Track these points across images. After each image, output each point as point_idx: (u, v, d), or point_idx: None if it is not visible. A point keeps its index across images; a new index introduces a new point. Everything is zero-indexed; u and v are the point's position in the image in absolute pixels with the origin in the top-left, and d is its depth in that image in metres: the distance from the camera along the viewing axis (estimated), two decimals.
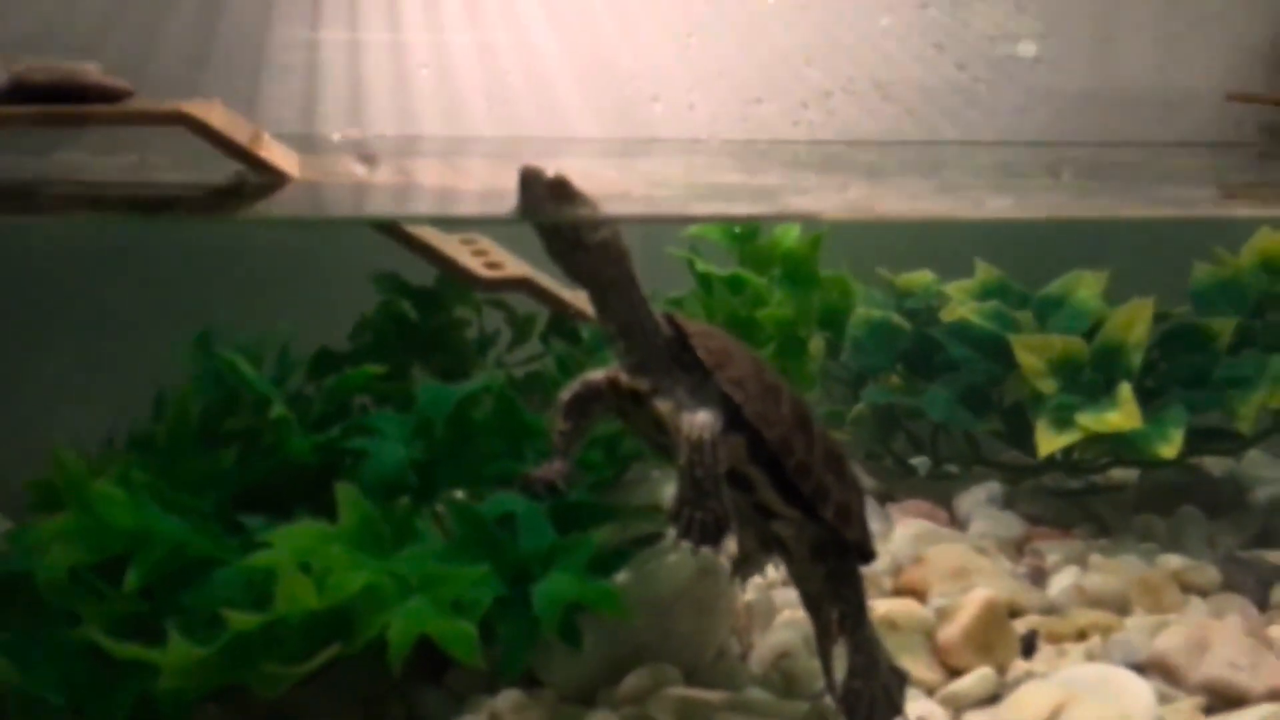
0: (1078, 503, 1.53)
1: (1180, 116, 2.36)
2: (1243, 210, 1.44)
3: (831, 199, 1.40)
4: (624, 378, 0.91)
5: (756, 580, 1.27)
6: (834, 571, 0.98)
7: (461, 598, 0.88)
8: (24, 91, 1.09)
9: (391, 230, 1.11)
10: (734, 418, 0.90)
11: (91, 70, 1.16)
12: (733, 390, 0.89)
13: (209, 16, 1.82)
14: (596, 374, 0.94)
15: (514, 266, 1.18)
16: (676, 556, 1.10)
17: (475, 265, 1.16)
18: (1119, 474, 1.57)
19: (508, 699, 1.06)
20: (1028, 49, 2.26)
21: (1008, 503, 1.51)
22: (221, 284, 1.52)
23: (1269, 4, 2.38)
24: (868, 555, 0.99)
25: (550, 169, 0.86)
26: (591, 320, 1.19)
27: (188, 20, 1.81)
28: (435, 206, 1.16)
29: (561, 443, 0.92)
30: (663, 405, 0.89)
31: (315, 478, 1.02)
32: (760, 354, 1.01)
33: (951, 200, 1.53)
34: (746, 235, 1.24)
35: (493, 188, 1.16)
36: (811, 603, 1.03)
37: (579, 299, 1.17)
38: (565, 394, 0.94)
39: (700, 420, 0.88)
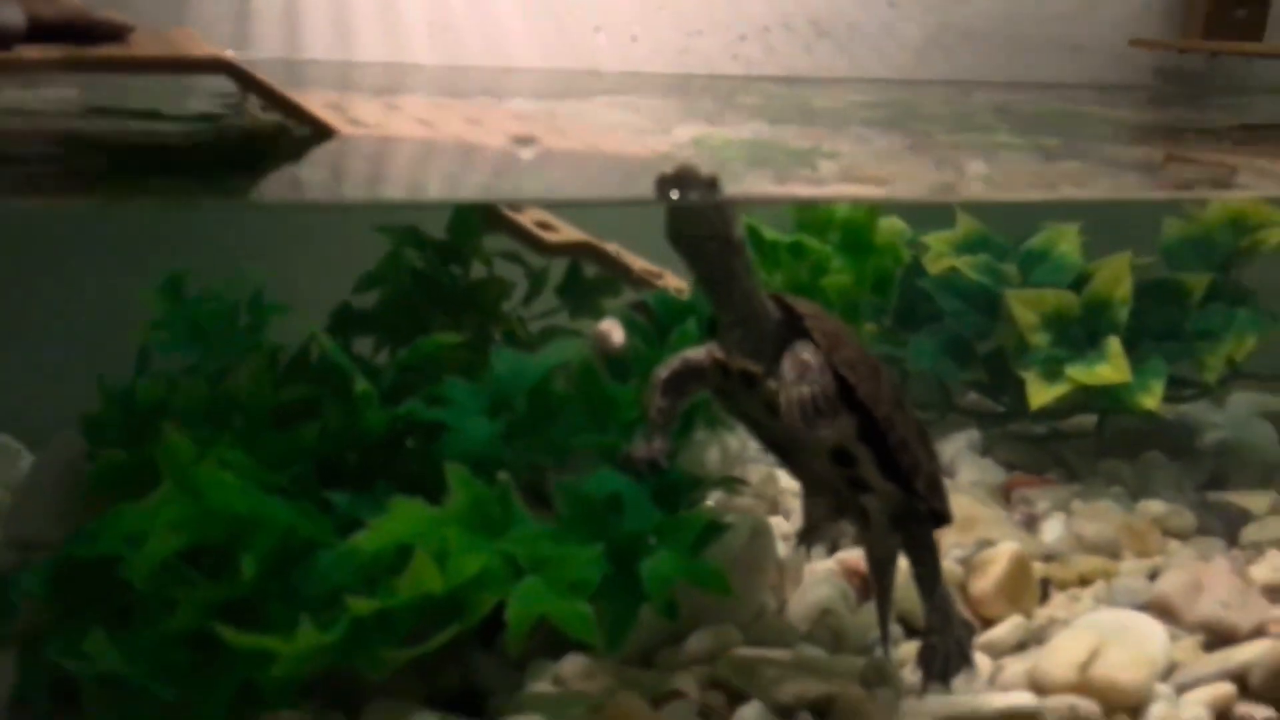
0: (1046, 448, 1.65)
1: (1087, 60, 2.51)
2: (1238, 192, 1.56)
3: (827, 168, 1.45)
4: (736, 360, 0.94)
5: (785, 530, 1.35)
6: (912, 537, 1.06)
7: (575, 578, 0.90)
8: (41, 30, 1.03)
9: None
10: (847, 398, 0.95)
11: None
12: (848, 372, 0.94)
13: None
14: (697, 352, 0.97)
15: (568, 231, 1.19)
16: (733, 518, 1.16)
17: (535, 229, 1.16)
18: (1079, 421, 1.70)
19: (573, 664, 1.10)
20: None
21: (984, 450, 1.62)
22: (201, 231, 1.47)
23: None
24: (946, 520, 1.06)
25: (677, 162, 0.88)
26: (652, 285, 1.23)
27: None
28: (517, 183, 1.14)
29: (660, 419, 0.96)
30: (774, 386, 0.93)
31: (385, 449, 1.03)
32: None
33: (932, 166, 1.60)
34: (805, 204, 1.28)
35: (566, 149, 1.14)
36: (879, 567, 1.11)
37: (639, 262, 1.19)
38: (664, 371, 0.96)
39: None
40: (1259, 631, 1.25)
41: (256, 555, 0.86)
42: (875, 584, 1.12)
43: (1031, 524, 1.45)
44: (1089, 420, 1.69)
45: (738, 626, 1.16)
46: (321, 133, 1.08)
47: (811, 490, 1.09)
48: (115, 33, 1.10)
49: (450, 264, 1.29)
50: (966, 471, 1.56)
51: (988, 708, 1.07)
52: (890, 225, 1.68)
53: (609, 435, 1.03)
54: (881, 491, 1.01)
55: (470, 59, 2.00)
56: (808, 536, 1.12)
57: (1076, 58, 2.52)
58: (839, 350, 0.94)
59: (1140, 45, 2.55)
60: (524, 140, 1.08)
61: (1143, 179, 1.56)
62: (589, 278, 1.32)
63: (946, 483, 1.52)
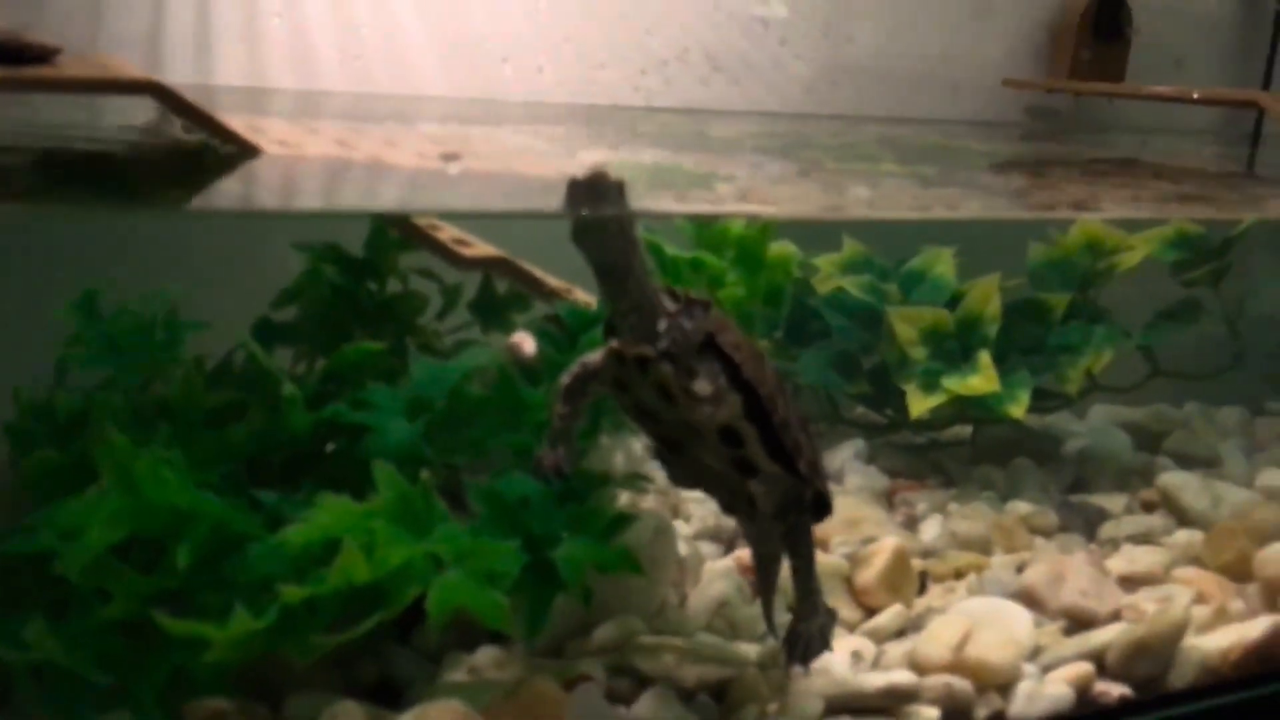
0: (925, 457, 1.76)
1: (962, 97, 2.67)
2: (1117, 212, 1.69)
3: (761, 191, 1.54)
4: (630, 347, 1.00)
5: (685, 533, 1.43)
6: (792, 527, 1.14)
7: (493, 570, 0.97)
8: None
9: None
10: (733, 377, 1.02)
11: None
12: (733, 352, 1.02)
13: None
14: (594, 355, 1.03)
15: (480, 246, 1.25)
16: (637, 519, 1.23)
17: (449, 243, 1.22)
18: (955, 431, 1.81)
19: (486, 655, 1.16)
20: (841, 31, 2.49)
21: (870, 458, 1.73)
22: (118, 251, 1.49)
23: (1044, 1, 2.72)
24: (827, 508, 1.14)
25: (588, 166, 0.95)
26: (562, 298, 1.30)
27: None
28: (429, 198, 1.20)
29: (562, 425, 1.01)
30: (666, 369, 1.00)
31: (309, 451, 1.08)
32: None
33: (819, 188, 1.70)
34: (704, 222, 1.37)
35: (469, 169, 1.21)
36: (763, 562, 1.19)
37: (550, 277, 1.26)
38: (565, 378, 1.02)
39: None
40: (1115, 617, 1.37)
41: (191, 546, 0.90)
42: (760, 578, 1.20)
43: (912, 524, 1.56)
44: (965, 431, 1.81)
45: (641, 619, 1.23)
46: (247, 151, 1.13)
47: (702, 486, 1.16)
48: (44, 55, 1.14)
49: (367, 279, 1.34)
50: (853, 478, 1.66)
51: (870, 686, 1.16)
52: (782, 248, 1.79)
53: (522, 436, 1.09)
54: (767, 473, 1.07)
55: (380, 87, 2.05)
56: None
57: (954, 96, 2.68)
58: (724, 333, 1.02)
59: (1011, 85, 2.72)
60: (450, 156, 1.14)
61: (1011, 202, 1.69)
62: (500, 294, 1.39)
63: (834, 488, 1.63)
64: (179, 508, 0.91)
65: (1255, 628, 1.34)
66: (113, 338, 1.29)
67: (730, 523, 1.48)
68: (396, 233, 1.23)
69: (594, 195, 0.95)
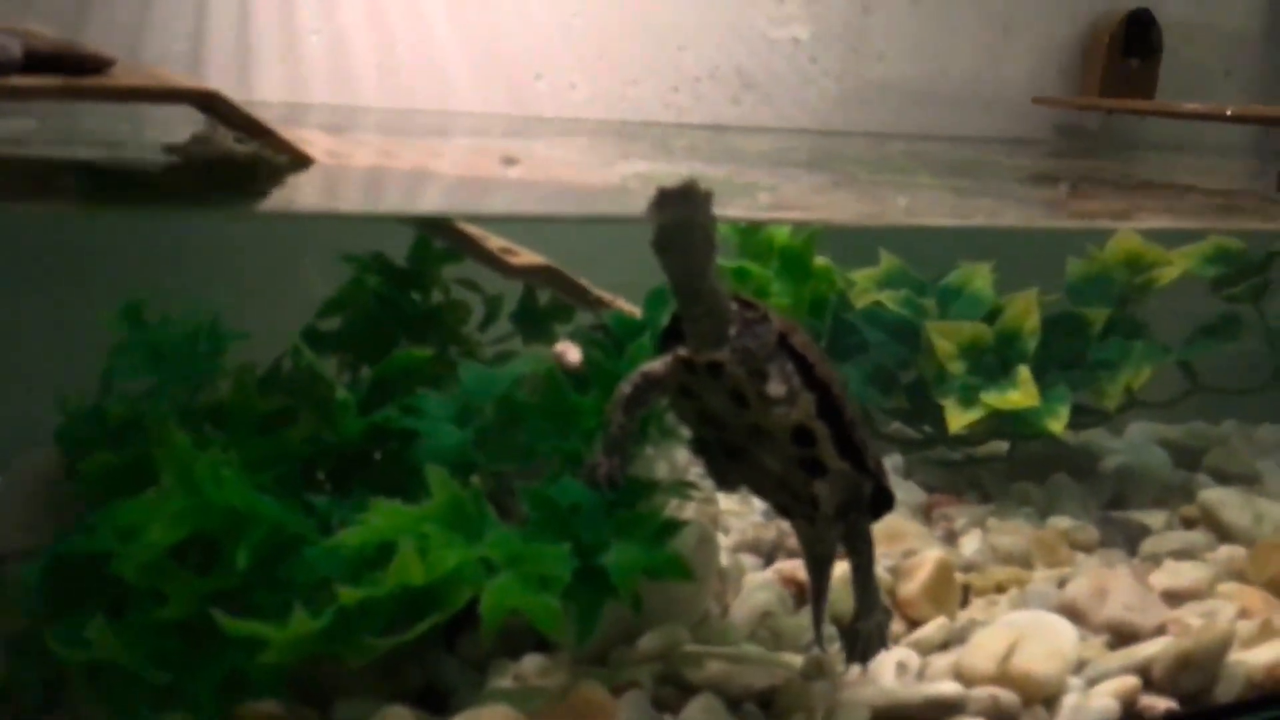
0: (962, 472, 1.76)
1: (991, 115, 2.68)
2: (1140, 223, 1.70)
3: (762, 198, 1.56)
4: (703, 353, 1.00)
5: (725, 544, 1.43)
6: (852, 526, 1.14)
7: (545, 575, 0.97)
8: (35, 61, 1.09)
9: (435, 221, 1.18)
10: (806, 376, 1.03)
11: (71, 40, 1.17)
12: (806, 351, 1.03)
13: None
14: (654, 365, 1.04)
15: (526, 255, 1.27)
16: (685, 525, 1.24)
17: (497, 252, 1.24)
18: (991, 446, 1.82)
19: (532, 663, 1.17)
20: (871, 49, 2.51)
21: (906, 473, 1.73)
22: (162, 262, 1.52)
23: (1071, 19, 2.74)
24: (889, 503, 1.15)
25: (679, 178, 0.96)
26: (608, 307, 1.31)
27: None
28: (513, 204, 1.21)
29: (621, 435, 1.01)
30: (740, 373, 1.01)
31: (360, 456, 1.09)
32: None
33: (856, 198, 1.71)
34: (749, 231, 1.38)
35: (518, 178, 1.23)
36: (819, 565, 1.19)
37: (591, 286, 1.28)
38: (626, 388, 1.03)
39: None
40: (1159, 631, 1.36)
41: (249, 547, 0.92)
42: (813, 582, 1.20)
43: (951, 538, 1.56)
44: (1001, 447, 1.81)
45: (686, 628, 1.24)
46: (300, 161, 1.15)
47: (756, 490, 1.17)
48: (100, 65, 1.16)
49: (411, 289, 1.36)
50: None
51: (917, 696, 1.16)
52: (821, 263, 1.80)
53: (571, 442, 1.10)
54: (836, 471, 1.07)
55: (415, 102, 2.08)
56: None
57: (983, 114, 2.69)
58: (794, 334, 1.03)
59: (1042, 103, 2.73)
60: (510, 160, 1.16)
61: (1048, 212, 1.70)
62: (542, 305, 1.41)
63: None
64: (238, 509, 0.92)
65: None
66: (157, 347, 1.31)
67: (769, 535, 1.49)
68: (444, 240, 1.25)
69: (685, 202, 0.96)
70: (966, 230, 1.86)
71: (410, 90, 2.08)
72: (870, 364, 1.68)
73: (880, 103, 2.57)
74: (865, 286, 1.71)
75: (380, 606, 0.95)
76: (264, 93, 1.98)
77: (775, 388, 1.02)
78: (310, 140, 1.33)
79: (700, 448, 1.13)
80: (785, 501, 1.15)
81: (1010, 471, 1.78)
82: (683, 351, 1.02)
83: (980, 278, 1.68)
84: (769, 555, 1.47)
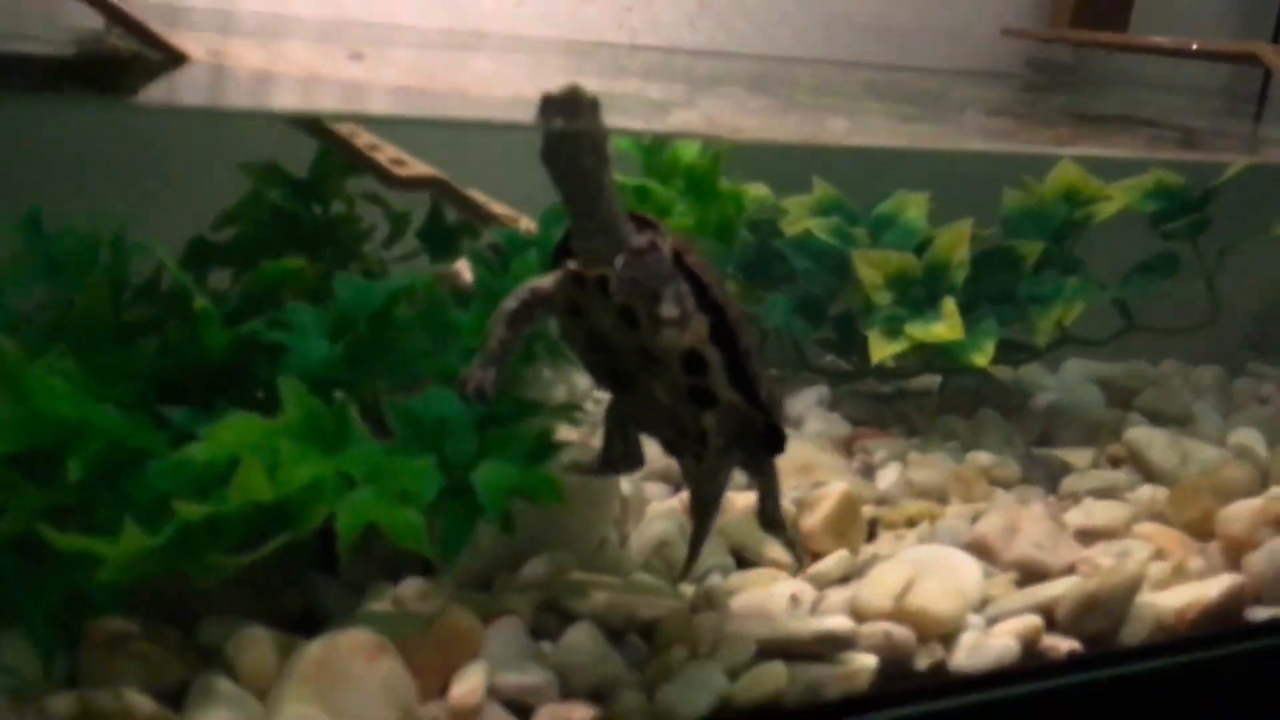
0: (890, 405, 1.71)
1: (959, 47, 2.59)
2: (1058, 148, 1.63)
3: (692, 115, 1.48)
4: (593, 268, 0.94)
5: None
6: (749, 460, 1.09)
7: (407, 489, 0.92)
8: None
9: (313, 125, 1.10)
10: (701, 298, 0.97)
11: None
12: (701, 273, 0.96)
13: None
14: (543, 280, 0.97)
15: (418, 166, 1.20)
16: (573, 451, 1.18)
17: (384, 162, 1.17)
18: (923, 380, 1.76)
19: (411, 587, 1.12)
20: None
21: (833, 405, 1.67)
22: (64, 166, 1.44)
23: None
24: (780, 442, 1.07)
25: (564, 83, 0.89)
26: (504, 225, 1.24)
27: None
28: (364, 102, 1.14)
29: (499, 349, 0.95)
30: (629, 289, 0.94)
31: (228, 371, 1.03)
32: None
33: (795, 121, 1.64)
34: (653, 148, 1.31)
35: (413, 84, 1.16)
36: (703, 507, 1.13)
37: (488, 201, 1.21)
38: (511, 302, 0.96)
39: None
40: (1069, 571, 1.32)
41: (84, 460, 0.86)
42: (695, 524, 1.13)
43: (869, 471, 1.51)
44: (934, 380, 1.76)
45: (577, 556, 1.19)
46: (176, 58, 1.07)
47: (645, 425, 1.11)
48: None
49: (311, 202, 1.29)
50: (813, 423, 1.61)
51: (805, 631, 1.11)
52: (755, 191, 1.73)
53: (449, 359, 1.04)
54: (726, 403, 1.01)
55: (353, 14, 1.99)
56: (615, 465, 1.14)
57: (951, 45, 2.60)
58: (690, 255, 0.96)
59: (1010, 34, 2.64)
60: (357, 56, 1.08)
61: (988, 139, 1.63)
62: (450, 222, 1.34)
63: (792, 433, 1.58)
64: (70, 420, 0.86)
65: (1213, 587, 1.29)
66: (54, 259, 1.25)
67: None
68: (323, 143, 1.17)
69: (568, 110, 0.89)
70: (911, 156, 1.79)
71: (346, 2, 1.99)
72: (798, 293, 1.61)
73: (844, 32, 2.47)
74: (797, 214, 1.64)
75: (229, 523, 0.90)
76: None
77: (668, 309, 0.96)
78: (205, 43, 1.26)
79: (591, 372, 1.07)
80: (674, 438, 1.08)
81: (940, 406, 1.72)
82: (573, 265, 0.96)
83: (914, 207, 1.61)
84: (678, 484, 1.41)
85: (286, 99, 1.09)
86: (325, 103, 1.10)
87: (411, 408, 0.96)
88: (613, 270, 0.94)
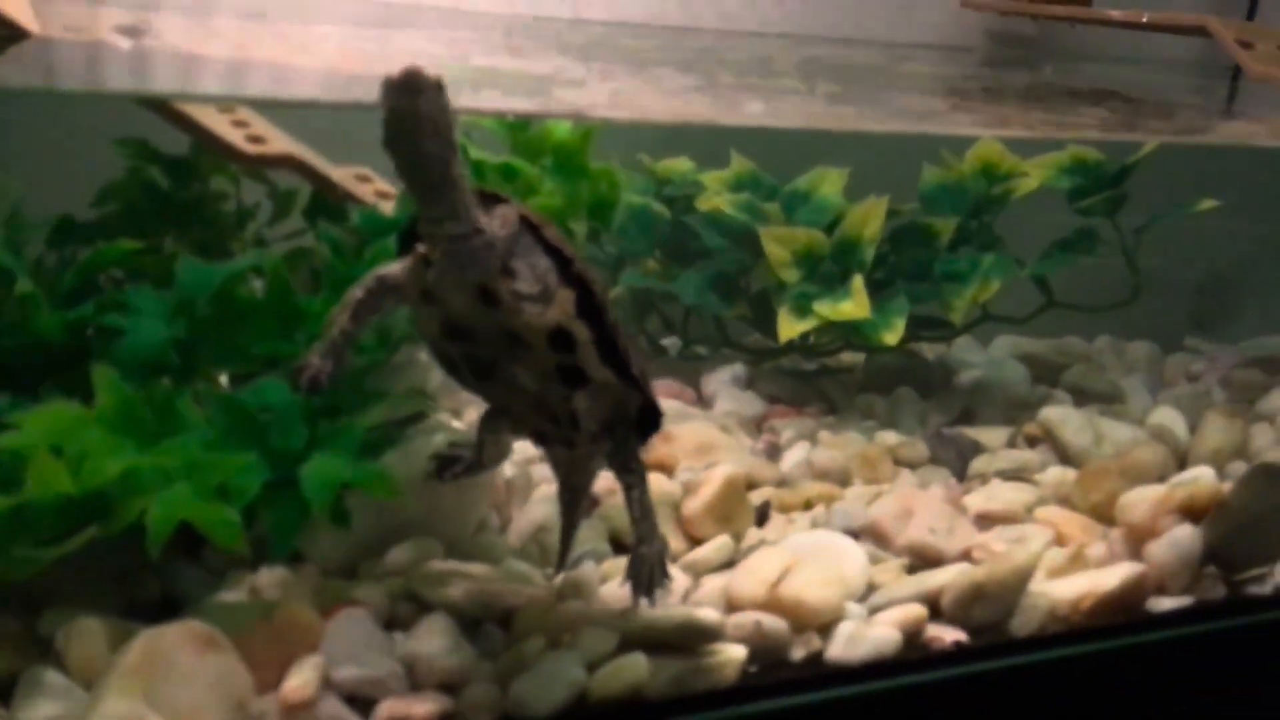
0: (811, 383, 1.64)
1: (917, 19, 2.50)
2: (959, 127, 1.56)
3: (600, 94, 1.41)
4: (437, 243, 0.89)
5: (518, 457, 1.32)
6: (620, 445, 1.01)
7: (227, 483, 0.87)
8: None
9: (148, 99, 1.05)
10: (563, 272, 0.91)
11: None
12: (561, 246, 0.91)
13: None
14: (391, 268, 0.92)
15: (279, 142, 1.14)
16: (439, 437, 1.13)
17: (238, 139, 1.11)
18: (849, 357, 1.69)
19: (270, 574, 1.06)
20: None
21: (749, 383, 1.61)
22: None
23: None
24: (657, 420, 1.01)
25: (404, 64, 0.84)
26: (357, 201, 1.18)
27: None
28: (211, 81, 1.08)
29: (341, 340, 0.89)
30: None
31: (64, 357, 0.98)
32: None
33: (711, 101, 1.57)
34: (519, 126, 1.24)
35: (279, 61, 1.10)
36: (572, 496, 1.08)
37: (345, 178, 1.15)
38: (358, 291, 0.91)
39: None
40: (965, 557, 1.25)
41: None
42: (565, 516, 1.08)
43: (775, 452, 1.45)
44: (858, 358, 1.69)
45: (450, 542, 1.13)
46: (15, 33, 1.01)
47: (512, 418, 1.05)
48: None
49: (189, 181, 1.23)
50: (724, 403, 1.55)
51: (666, 621, 1.05)
52: (676, 164, 1.67)
53: (294, 345, 0.99)
54: (599, 382, 0.95)
55: None
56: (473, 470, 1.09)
57: (908, 17, 2.51)
58: (546, 228, 0.91)
59: (970, 6, 2.55)
60: (129, 31, 1.02)
61: (909, 122, 1.55)
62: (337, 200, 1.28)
63: (699, 412, 1.52)
64: None
65: (1111, 576, 1.22)
66: None
67: None
68: (166, 120, 1.11)
69: (408, 93, 0.84)
70: (836, 136, 1.72)
71: None
72: (712, 270, 1.55)
73: (797, 3, 2.39)
74: (714, 189, 1.57)
75: (38, 516, 0.85)
76: None
77: (526, 284, 0.90)
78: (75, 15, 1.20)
79: (447, 367, 1.01)
80: (542, 425, 1.02)
81: (862, 384, 1.66)
82: (422, 249, 0.90)
83: (829, 183, 1.54)
84: None
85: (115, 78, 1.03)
86: (156, 85, 1.04)
87: (236, 397, 0.90)
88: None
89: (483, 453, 1.08)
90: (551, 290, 0.92)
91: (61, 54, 1.03)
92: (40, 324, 0.94)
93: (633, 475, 1.03)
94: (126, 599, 1.05)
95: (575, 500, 1.09)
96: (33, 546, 0.85)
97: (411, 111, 0.84)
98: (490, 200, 0.93)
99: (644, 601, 1.02)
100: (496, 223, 0.90)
